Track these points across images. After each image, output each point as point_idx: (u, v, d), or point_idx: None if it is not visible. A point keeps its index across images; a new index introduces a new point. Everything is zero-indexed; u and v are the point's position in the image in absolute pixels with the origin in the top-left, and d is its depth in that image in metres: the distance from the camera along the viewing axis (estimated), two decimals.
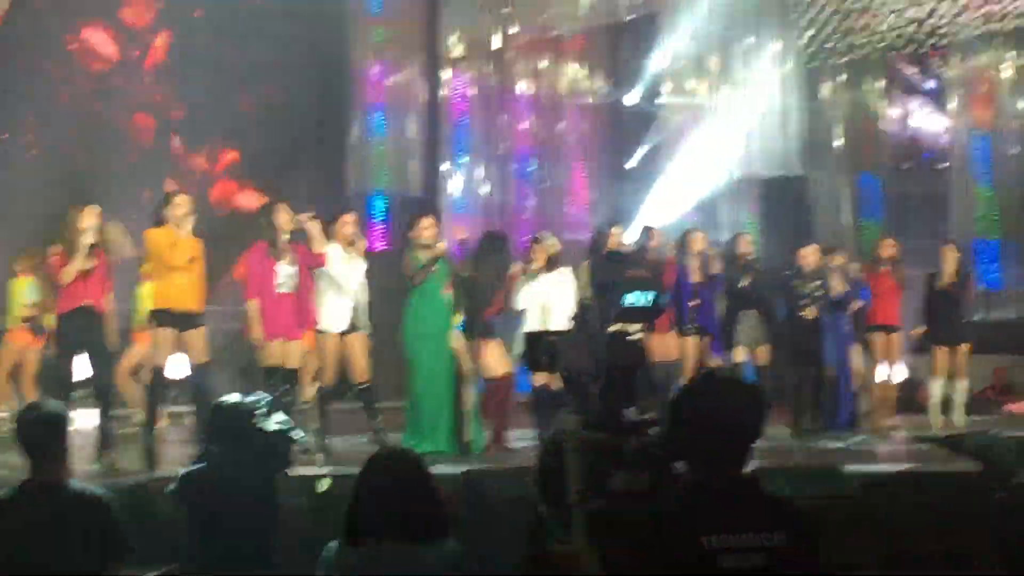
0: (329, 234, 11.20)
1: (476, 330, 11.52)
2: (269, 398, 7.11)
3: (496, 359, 11.50)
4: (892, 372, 14.23)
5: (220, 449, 6.54)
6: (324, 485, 6.85)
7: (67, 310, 10.29)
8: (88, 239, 10.17)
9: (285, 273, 10.80)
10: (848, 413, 14.04)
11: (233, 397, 7.07)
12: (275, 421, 6.76)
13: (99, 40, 18.44)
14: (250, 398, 6.95)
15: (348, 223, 11.41)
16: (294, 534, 8.61)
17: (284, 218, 10.83)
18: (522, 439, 11.72)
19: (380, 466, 5.06)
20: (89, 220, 10.24)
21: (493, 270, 11.58)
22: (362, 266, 11.28)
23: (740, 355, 13.22)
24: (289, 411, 10.70)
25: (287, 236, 10.84)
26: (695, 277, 12.94)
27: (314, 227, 10.88)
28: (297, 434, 6.77)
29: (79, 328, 10.29)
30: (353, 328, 11.25)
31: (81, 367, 10.49)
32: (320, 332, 11.23)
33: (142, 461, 10.26)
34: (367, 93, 19.29)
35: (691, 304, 12.84)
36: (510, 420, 11.79)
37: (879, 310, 13.96)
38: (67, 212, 10.38)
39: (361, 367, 11.26)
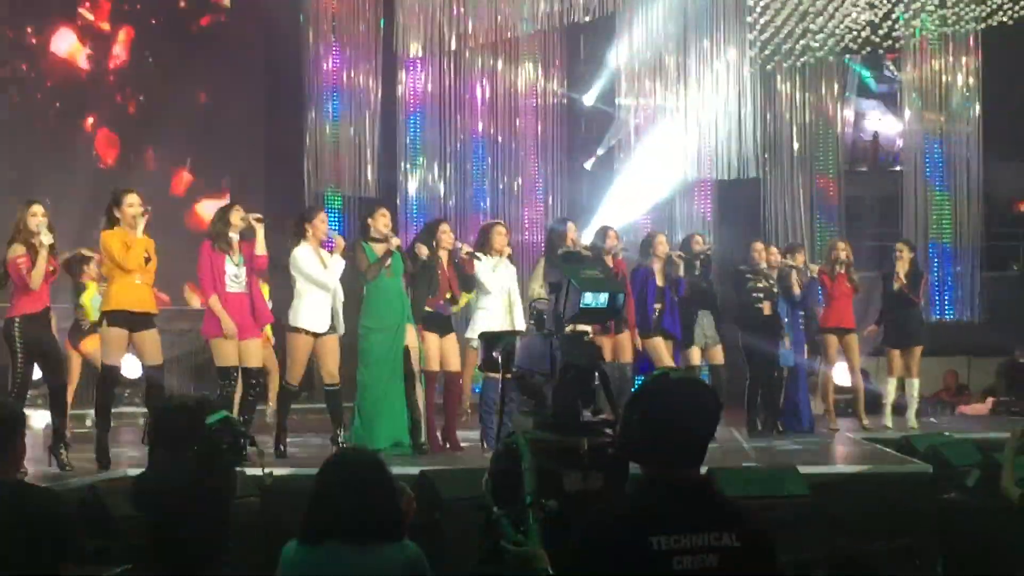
0: (301, 234, 11.18)
1: (418, 320, 11.56)
2: (213, 397, 7.10)
3: (435, 354, 11.55)
4: (854, 374, 14.30)
5: (168, 452, 6.53)
6: (268, 480, 6.83)
7: (30, 312, 10.16)
8: (47, 239, 10.06)
9: (232, 272, 10.74)
10: (807, 414, 14.11)
11: (176, 399, 7.08)
12: (216, 418, 6.73)
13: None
14: (195, 399, 6.95)
15: (325, 220, 11.39)
16: (250, 533, 8.64)
17: (235, 215, 10.79)
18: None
19: (340, 466, 5.05)
20: (40, 218, 10.13)
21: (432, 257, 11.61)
22: (339, 265, 11.20)
23: (696, 356, 13.28)
24: (251, 409, 10.83)
25: (235, 235, 10.78)
26: (659, 280, 12.99)
27: (260, 228, 10.82)
28: (238, 429, 6.74)
29: (41, 329, 10.23)
30: (331, 330, 11.23)
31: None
32: (296, 330, 11.13)
33: (95, 461, 10.19)
34: (323, 93, 19.26)
35: (656, 307, 12.89)
36: (457, 419, 11.86)
37: (834, 312, 14.02)
38: (16, 212, 10.29)
39: (332, 369, 11.23)
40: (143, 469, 6.89)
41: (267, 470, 6.85)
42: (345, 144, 19.17)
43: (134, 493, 6.72)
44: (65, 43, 18.58)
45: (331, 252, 11.36)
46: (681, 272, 13.04)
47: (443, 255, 11.64)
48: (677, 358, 13.08)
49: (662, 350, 12.84)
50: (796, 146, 19.13)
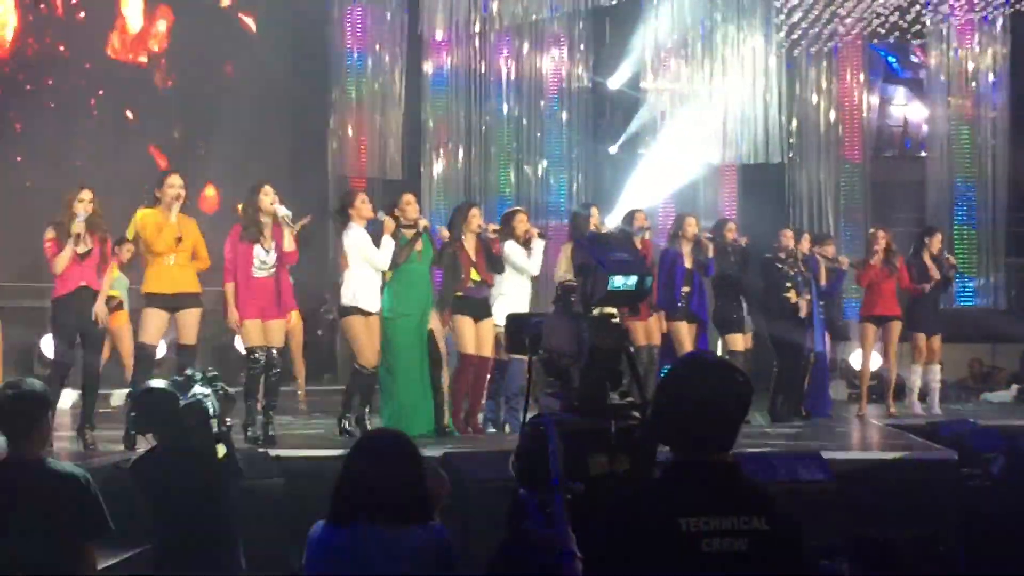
0: (347, 217, 11.15)
1: (446, 304, 11.58)
2: (199, 375, 7.12)
3: (470, 338, 11.55)
4: (889, 360, 14.24)
5: (155, 433, 6.61)
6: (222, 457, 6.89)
7: (63, 293, 10.21)
8: (79, 226, 10.10)
9: (260, 258, 10.70)
10: (826, 400, 14.11)
11: (159, 382, 7.15)
12: (189, 395, 6.79)
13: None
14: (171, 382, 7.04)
15: (364, 202, 11.33)
16: (274, 514, 8.69)
17: (265, 200, 10.69)
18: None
19: (370, 446, 5.05)
20: (81, 205, 10.15)
21: (458, 239, 11.63)
22: (390, 243, 11.13)
23: (739, 342, 13.28)
24: (275, 392, 10.84)
25: (267, 220, 10.73)
26: (687, 263, 12.98)
27: (287, 228, 10.72)
28: (207, 403, 6.78)
29: (77, 311, 10.24)
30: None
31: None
32: (352, 311, 11.09)
33: (122, 441, 10.22)
34: (347, 76, 19.27)
35: (683, 290, 12.89)
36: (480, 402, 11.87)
37: (880, 300, 13.95)
38: (61, 195, 10.33)
39: (376, 351, 11.23)
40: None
41: (221, 448, 6.89)
42: (369, 127, 19.17)
43: (132, 474, 6.82)
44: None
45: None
46: (710, 254, 13.02)
47: (470, 238, 11.63)
48: (703, 341, 13.07)
49: (684, 335, 12.85)
50: (822, 131, 19.06)
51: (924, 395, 14.22)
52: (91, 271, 10.30)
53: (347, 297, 11.13)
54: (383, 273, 11.20)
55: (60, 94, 18.11)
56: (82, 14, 18.58)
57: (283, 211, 10.67)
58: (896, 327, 13.94)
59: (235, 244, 10.68)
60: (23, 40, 18.17)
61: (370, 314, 11.09)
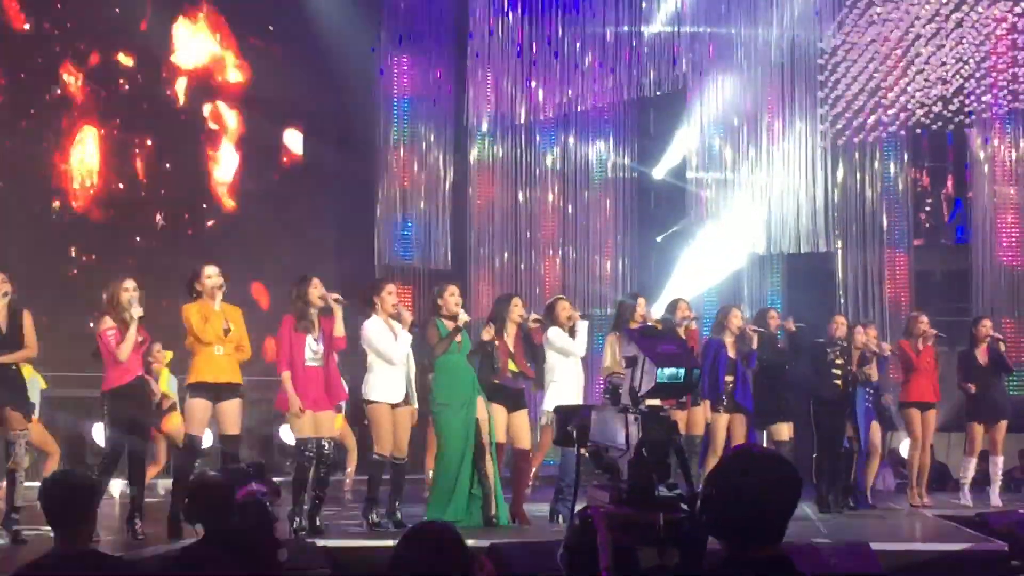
0: (371, 306, 11.26)
1: (487, 395, 11.63)
2: (254, 466, 7.12)
3: (502, 427, 11.59)
4: (924, 451, 14.12)
5: (204, 524, 6.58)
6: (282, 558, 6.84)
7: (119, 384, 10.34)
8: (137, 312, 10.25)
9: (311, 347, 10.78)
10: (872, 489, 14.01)
11: (211, 472, 7.13)
12: (245, 489, 6.75)
13: None
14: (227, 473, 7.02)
15: (392, 292, 11.43)
16: None
17: (315, 293, 10.81)
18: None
19: (419, 537, 5.05)
20: (131, 293, 10.31)
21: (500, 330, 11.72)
22: (407, 338, 11.27)
23: (784, 431, 13.24)
24: (326, 483, 10.88)
25: (315, 310, 10.83)
26: (731, 353, 12.99)
27: (339, 310, 10.88)
28: (267, 500, 6.76)
29: (131, 401, 10.38)
30: (405, 401, 11.28)
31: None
32: (371, 403, 11.19)
33: (168, 530, 10.26)
34: (393, 165, 19.44)
35: (727, 380, 12.89)
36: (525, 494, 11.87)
37: (916, 386, 13.89)
38: (107, 285, 10.46)
39: (401, 443, 11.27)
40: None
41: (283, 551, 6.84)
42: (416, 216, 19.32)
43: (178, 567, 6.77)
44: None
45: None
46: (754, 345, 13.03)
47: (511, 328, 11.70)
48: (752, 434, 13.05)
49: (724, 427, 12.84)
50: (867, 219, 19.04)
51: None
52: (141, 361, 10.47)
53: (368, 388, 11.22)
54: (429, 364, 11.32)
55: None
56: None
57: (333, 296, 10.81)
58: (933, 415, 13.87)
59: (288, 334, 10.77)
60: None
61: (394, 405, 11.16)
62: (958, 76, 18.18)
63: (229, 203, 19.07)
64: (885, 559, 9.44)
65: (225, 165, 19.10)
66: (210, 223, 18.92)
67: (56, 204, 17.55)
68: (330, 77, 19.14)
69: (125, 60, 18.29)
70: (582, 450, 5.21)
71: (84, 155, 17.75)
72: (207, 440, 11.69)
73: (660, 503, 4.81)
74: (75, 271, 17.48)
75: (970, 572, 9.80)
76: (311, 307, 10.79)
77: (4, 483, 11.79)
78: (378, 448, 11.18)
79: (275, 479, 7.38)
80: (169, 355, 13.25)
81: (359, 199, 19.29)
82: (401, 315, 11.27)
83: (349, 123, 19.74)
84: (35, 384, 12.74)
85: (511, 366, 11.64)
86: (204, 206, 18.96)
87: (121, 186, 18.19)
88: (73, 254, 17.74)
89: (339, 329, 10.83)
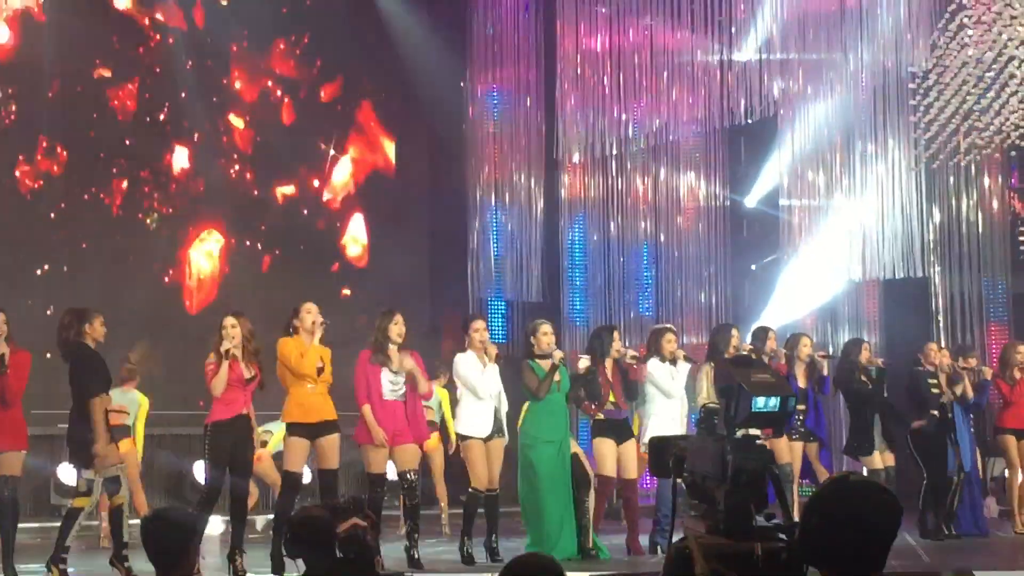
0: (464, 341, 11.34)
1: (594, 430, 11.66)
2: (354, 500, 7.13)
3: (612, 461, 11.60)
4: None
5: (305, 558, 6.58)
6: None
7: (220, 419, 10.47)
8: (227, 344, 10.37)
9: (389, 379, 10.84)
10: (980, 517, 13.83)
11: (310, 509, 7.15)
12: (345, 528, 6.73)
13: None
14: (330, 507, 7.01)
15: (479, 329, 11.49)
16: None
17: (395, 330, 10.88)
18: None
19: (521, 570, 5.04)
20: (229, 330, 10.45)
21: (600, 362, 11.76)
22: (494, 370, 11.32)
23: (877, 461, 13.12)
24: (416, 515, 10.92)
25: (396, 345, 10.89)
26: (802, 382, 12.92)
27: (418, 373, 10.91)
28: (364, 540, 6.74)
29: (232, 437, 10.48)
30: (496, 434, 11.31)
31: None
32: (463, 437, 11.31)
33: (272, 566, 10.34)
34: (487, 197, 19.51)
35: (799, 408, 12.81)
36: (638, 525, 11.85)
37: (1011, 414, 13.78)
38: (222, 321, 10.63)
39: (493, 475, 11.31)
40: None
41: None
42: (509, 248, 19.37)
43: None
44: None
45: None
46: (825, 372, 12.99)
47: (608, 362, 11.75)
48: (824, 458, 12.95)
49: (796, 454, 12.74)
50: (964, 242, 18.83)
51: None
52: (248, 397, 10.56)
53: (461, 424, 11.34)
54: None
55: None
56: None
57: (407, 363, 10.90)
58: None
59: (364, 367, 10.87)
60: None
61: (485, 439, 11.21)
62: None
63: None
64: None
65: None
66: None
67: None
68: (420, 109, 19.34)
69: None
70: (679, 480, 5.20)
71: None
72: (306, 477, 11.78)
73: (757, 532, 4.78)
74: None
75: None
76: (390, 342, 10.86)
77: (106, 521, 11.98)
78: (474, 482, 11.25)
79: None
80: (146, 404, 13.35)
81: (451, 234, 19.38)
82: (487, 349, 11.34)
83: (440, 158, 19.87)
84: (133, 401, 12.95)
85: (611, 398, 11.68)
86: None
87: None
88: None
89: (422, 387, 10.96)
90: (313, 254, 18.84)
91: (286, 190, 19.15)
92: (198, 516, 9.73)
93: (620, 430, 11.77)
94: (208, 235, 18.09)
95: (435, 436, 14.07)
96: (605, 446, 11.62)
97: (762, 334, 12.91)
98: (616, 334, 12.10)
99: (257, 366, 10.58)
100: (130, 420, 12.99)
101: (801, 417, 12.79)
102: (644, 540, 11.87)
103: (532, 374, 11.39)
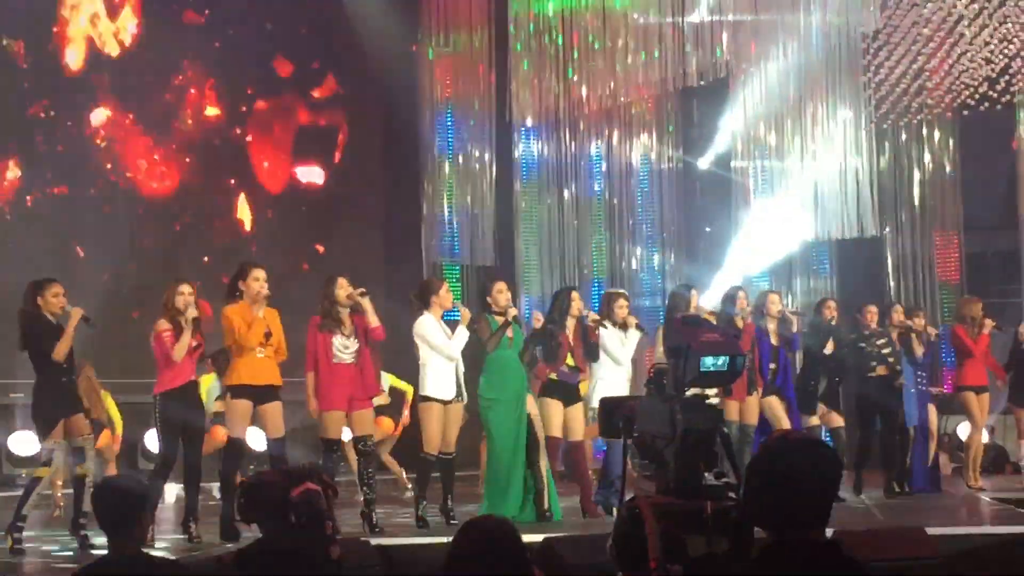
0: (426, 304, 11.30)
1: (543, 390, 11.68)
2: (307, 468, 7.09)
3: (558, 422, 11.63)
4: (978, 431, 14.11)
5: (260, 524, 6.55)
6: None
7: (171, 387, 10.47)
8: (192, 314, 10.38)
9: (340, 344, 10.81)
10: (932, 475, 13.94)
11: (264, 474, 7.10)
12: (298, 493, 6.67)
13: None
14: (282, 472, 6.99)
15: (448, 292, 11.53)
16: None
17: (341, 293, 10.86)
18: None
19: (475, 533, 5.03)
20: (187, 297, 10.42)
21: (556, 324, 11.77)
22: (464, 334, 11.31)
23: (817, 419, 13.19)
24: (371, 481, 10.92)
25: (346, 309, 10.86)
26: (774, 339, 12.94)
27: (366, 302, 10.90)
28: (321, 499, 6.71)
29: (183, 405, 10.49)
30: (457, 397, 11.32)
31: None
32: (425, 399, 11.25)
33: (222, 532, 10.32)
34: (437, 163, 19.43)
35: (770, 367, 12.85)
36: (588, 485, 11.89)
37: (972, 371, 13.88)
38: (165, 288, 10.58)
39: (451, 438, 11.30)
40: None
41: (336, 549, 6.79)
42: (461, 213, 19.30)
43: (238, 567, 6.75)
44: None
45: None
46: (795, 329, 13.01)
47: (570, 323, 11.75)
48: (795, 419, 12.94)
49: (779, 410, 12.78)
50: (916, 203, 18.92)
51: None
52: (194, 366, 10.56)
53: (424, 385, 11.27)
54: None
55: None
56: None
57: (358, 291, 10.86)
58: (987, 398, 13.86)
59: (314, 334, 10.84)
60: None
61: (447, 402, 11.19)
62: (1003, 56, 18.01)
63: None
64: (941, 543, 9.38)
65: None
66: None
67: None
68: (371, 76, 19.23)
69: None
70: (628, 441, 5.21)
71: None
72: (261, 443, 11.76)
73: (707, 492, 4.80)
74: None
75: None
76: (337, 306, 10.83)
77: (61, 491, 11.92)
78: (426, 447, 11.23)
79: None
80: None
81: (404, 198, 19.32)
82: (461, 312, 11.33)
83: (391, 123, 19.78)
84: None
85: (569, 360, 11.69)
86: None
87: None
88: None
89: (372, 319, 10.88)
90: None
91: None
92: (150, 484, 9.73)
93: (569, 392, 11.79)
94: None
95: (388, 421, 14.09)
96: (552, 407, 11.62)
97: (733, 294, 12.91)
98: (575, 295, 12.09)
99: (200, 335, 10.61)
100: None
101: (773, 376, 12.84)
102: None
103: (487, 326, 11.37)
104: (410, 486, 14.37)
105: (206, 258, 17.66)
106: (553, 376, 11.68)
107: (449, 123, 19.61)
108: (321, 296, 10.97)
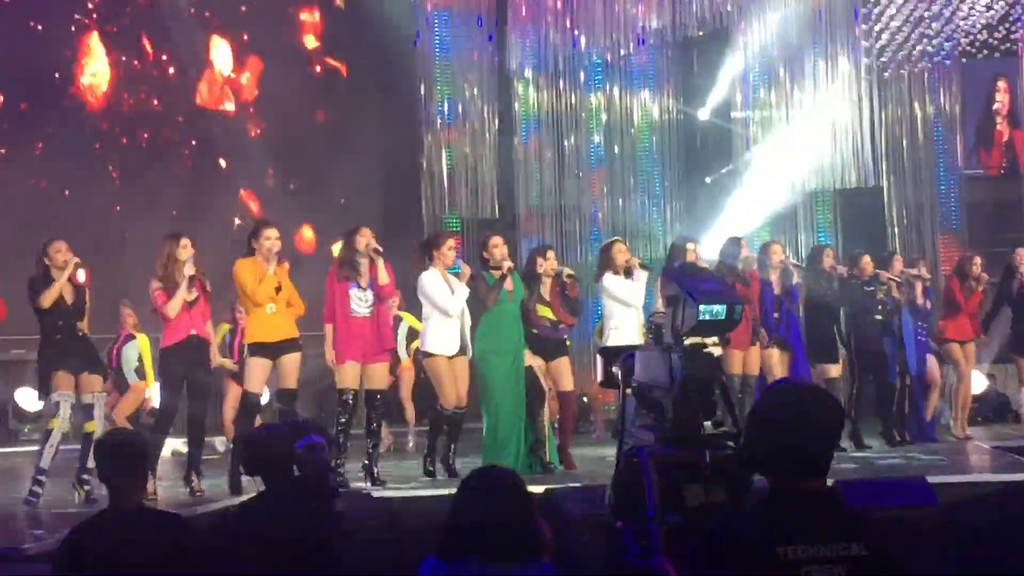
0: (429, 259, 11.30)
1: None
2: (310, 422, 7.11)
3: (556, 375, 11.65)
4: (965, 382, 14.11)
5: (264, 477, 6.55)
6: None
7: (173, 342, 10.50)
8: (188, 270, 10.37)
9: (357, 297, 10.82)
10: (932, 424, 13.96)
11: (274, 424, 7.10)
12: (304, 441, 6.68)
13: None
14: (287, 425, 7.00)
15: (451, 248, 11.49)
16: (379, 553, 8.71)
17: (362, 241, 10.85)
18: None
19: (480, 483, 5.03)
20: (185, 251, 10.41)
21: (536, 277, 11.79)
22: (464, 291, 11.29)
23: (834, 370, 13.16)
24: (378, 434, 10.96)
25: (365, 259, 10.86)
26: (777, 288, 12.91)
27: (379, 259, 10.90)
28: (324, 452, 6.71)
29: (187, 360, 10.49)
30: (461, 352, 11.30)
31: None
32: (429, 355, 11.27)
33: (227, 487, 10.36)
34: (436, 116, 19.33)
35: (774, 316, 12.82)
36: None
37: (959, 325, 13.86)
38: (162, 245, 10.56)
39: (460, 392, 11.30)
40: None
41: (339, 501, 6.80)
42: (461, 166, 19.22)
43: (240, 519, 6.76)
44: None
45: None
46: (795, 280, 12.98)
47: (547, 281, 11.74)
48: (799, 368, 12.89)
49: (774, 362, 12.77)
50: (920, 152, 18.84)
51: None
52: (199, 319, 10.59)
53: (426, 341, 11.29)
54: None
55: (154, 146, 18.55)
56: (172, 69, 19.03)
57: (373, 246, 10.85)
58: (972, 348, 13.91)
59: (332, 284, 10.85)
60: (118, 95, 18.63)
61: (451, 356, 11.19)
62: (1003, 3, 17.93)
63: None
64: (941, 492, 9.39)
65: None
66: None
67: None
68: (370, 27, 19.18)
69: None
70: (627, 390, 5.21)
71: None
72: (264, 397, 11.79)
73: (705, 441, 4.81)
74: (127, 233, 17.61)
75: None
76: (357, 255, 10.82)
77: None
78: (442, 400, 11.23)
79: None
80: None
81: (403, 151, 19.26)
82: (461, 268, 11.32)
83: (390, 77, 19.70)
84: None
85: (543, 311, 11.67)
86: None
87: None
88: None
89: (381, 277, 10.85)
90: None
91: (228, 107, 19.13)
92: (151, 438, 9.74)
93: (551, 347, 11.77)
94: None
95: (407, 358, 14.09)
96: (533, 363, 11.64)
97: (735, 243, 12.87)
98: (551, 252, 12.06)
99: (200, 286, 10.62)
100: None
101: (776, 325, 12.81)
102: (599, 452, 11.92)
103: (483, 283, 11.36)
104: (411, 438, 14.44)
105: None
106: (535, 331, 11.68)
107: (448, 74, 19.46)
108: (342, 245, 11.03)
